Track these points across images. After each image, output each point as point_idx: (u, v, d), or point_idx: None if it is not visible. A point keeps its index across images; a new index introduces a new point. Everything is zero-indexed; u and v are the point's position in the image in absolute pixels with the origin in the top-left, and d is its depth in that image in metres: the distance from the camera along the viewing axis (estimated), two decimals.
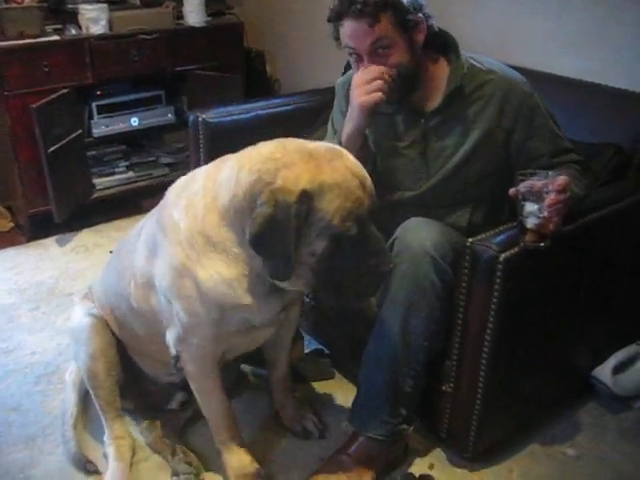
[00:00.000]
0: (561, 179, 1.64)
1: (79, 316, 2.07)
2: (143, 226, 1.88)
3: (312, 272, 1.58)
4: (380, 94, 1.85)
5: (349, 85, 1.98)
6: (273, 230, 1.49)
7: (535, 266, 1.78)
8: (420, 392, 1.93)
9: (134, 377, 2.12)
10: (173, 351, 1.81)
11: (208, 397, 1.90)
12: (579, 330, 2.12)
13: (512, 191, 1.69)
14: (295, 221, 1.48)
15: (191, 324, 1.71)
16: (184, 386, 2.08)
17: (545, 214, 1.64)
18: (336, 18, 1.89)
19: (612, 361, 2.28)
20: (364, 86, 1.87)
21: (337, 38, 1.94)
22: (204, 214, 1.63)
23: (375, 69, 1.86)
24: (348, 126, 1.95)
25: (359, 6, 1.80)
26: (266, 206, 1.48)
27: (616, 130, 2.21)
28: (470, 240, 1.76)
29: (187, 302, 1.68)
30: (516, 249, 1.72)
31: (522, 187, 1.67)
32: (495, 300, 1.73)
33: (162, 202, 1.79)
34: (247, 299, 1.65)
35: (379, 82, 1.85)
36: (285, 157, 1.53)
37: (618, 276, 2.17)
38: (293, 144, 1.59)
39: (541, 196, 1.64)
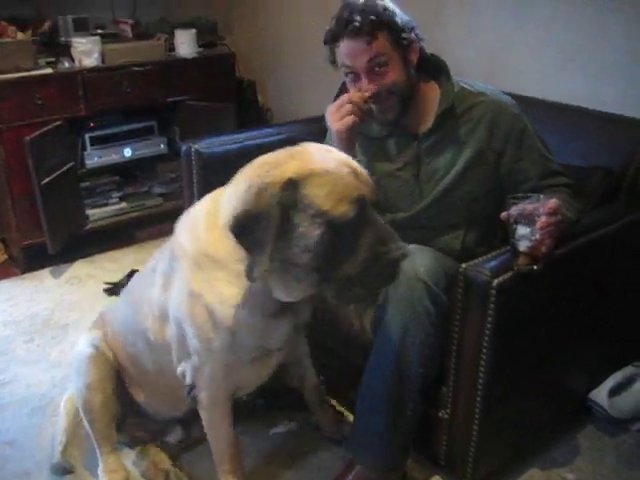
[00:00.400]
0: (552, 202, 1.66)
1: (81, 346, 2.06)
2: (158, 260, 1.88)
3: (313, 272, 1.48)
4: (352, 117, 1.89)
5: None
6: (253, 219, 1.44)
7: (528, 290, 1.78)
8: (417, 420, 1.92)
9: (133, 411, 2.11)
10: (188, 379, 1.81)
11: (217, 427, 1.90)
12: (574, 353, 2.12)
13: (504, 215, 1.70)
14: (278, 209, 1.42)
15: (205, 352, 1.71)
16: (185, 420, 2.12)
17: (537, 237, 1.65)
18: (332, 40, 1.93)
19: (608, 383, 2.28)
20: (336, 112, 1.91)
21: (333, 61, 1.98)
22: (206, 233, 1.65)
23: (345, 96, 1.91)
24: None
25: (357, 24, 1.84)
26: (252, 196, 1.45)
27: (606, 154, 2.22)
28: (463, 266, 1.77)
29: (200, 330, 1.68)
30: (509, 274, 1.72)
31: (514, 210, 1.68)
32: (489, 325, 1.74)
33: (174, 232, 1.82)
34: (253, 320, 1.64)
35: (348, 106, 1.89)
36: (277, 159, 1.52)
37: (611, 298, 2.18)
38: (286, 149, 1.56)
39: (533, 219, 1.65)
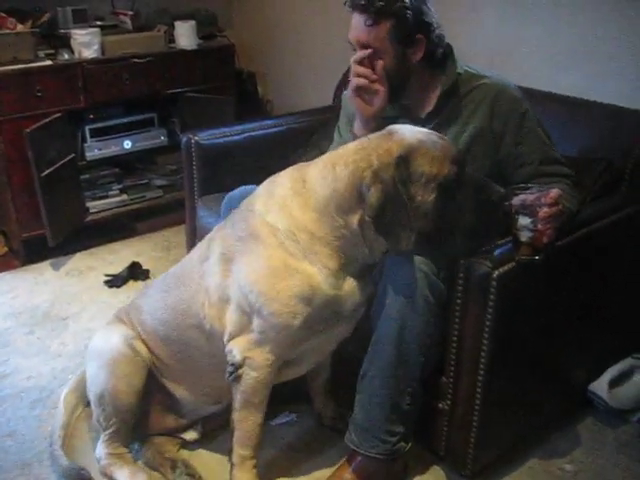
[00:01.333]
0: (553, 192, 1.67)
1: (116, 342, 1.99)
2: (208, 247, 1.90)
3: (429, 231, 1.67)
4: (380, 99, 1.96)
5: None
6: (388, 204, 1.60)
7: (529, 281, 1.79)
8: (417, 409, 1.92)
9: (160, 406, 2.12)
10: (238, 357, 1.80)
11: (253, 412, 1.88)
12: (574, 344, 2.13)
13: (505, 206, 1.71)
14: (402, 187, 1.60)
15: (278, 327, 1.74)
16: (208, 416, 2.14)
17: (538, 227, 1.66)
18: (348, 8, 1.97)
19: (608, 375, 2.28)
20: (358, 99, 1.98)
21: None
22: (302, 212, 1.73)
23: (354, 81, 1.97)
24: (362, 132, 1.99)
25: (364, 2, 1.89)
26: (374, 187, 1.61)
27: (607, 145, 2.23)
28: None
29: (284, 303, 1.71)
30: (510, 265, 1.73)
31: (515, 201, 1.69)
32: (490, 316, 1.74)
33: (228, 222, 1.87)
34: (343, 289, 1.74)
35: (376, 87, 1.95)
36: (371, 143, 1.69)
37: (612, 289, 2.18)
38: (374, 134, 1.75)
39: (534, 210, 1.66)
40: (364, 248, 1.73)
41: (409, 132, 1.69)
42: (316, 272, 1.71)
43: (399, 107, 2.07)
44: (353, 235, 1.71)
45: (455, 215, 1.68)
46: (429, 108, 2.03)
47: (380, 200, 1.60)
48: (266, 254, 1.73)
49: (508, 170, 1.99)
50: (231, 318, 1.81)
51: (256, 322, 1.76)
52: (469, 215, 1.68)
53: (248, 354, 1.80)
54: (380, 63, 1.94)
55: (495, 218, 1.72)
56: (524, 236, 1.68)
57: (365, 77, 1.95)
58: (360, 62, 1.96)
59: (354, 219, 1.69)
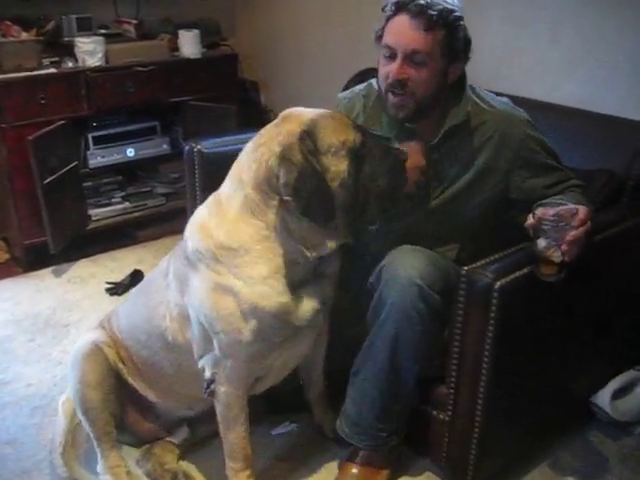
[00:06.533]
0: (582, 212, 1.64)
1: (79, 344, 2.05)
2: (169, 263, 1.91)
3: (350, 200, 1.67)
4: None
5: (364, 100, 2.07)
6: (303, 179, 1.58)
7: (531, 293, 1.78)
8: (409, 409, 1.96)
9: (141, 408, 2.12)
10: (208, 374, 1.82)
11: (233, 424, 1.89)
12: (576, 356, 2.12)
13: (528, 223, 1.69)
14: (313, 158, 1.60)
15: (231, 345, 1.74)
16: (192, 420, 2.14)
17: (563, 247, 1.63)
18: (393, 10, 1.83)
19: (611, 387, 2.27)
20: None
21: (380, 36, 1.89)
22: (218, 230, 1.72)
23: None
24: None
25: (423, 4, 1.77)
26: (284, 168, 1.60)
27: (608, 156, 2.23)
28: (465, 268, 1.76)
29: (227, 321, 1.70)
30: (511, 276, 1.72)
31: (538, 219, 1.66)
32: (491, 328, 1.73)
33: (183, 240, 1.85)
34: (286, 295, 1.70)
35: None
36: (267, 135, 1.69)
37: (614, 301, 2.17)
38: (264, 128, 1.74)
39: (559, 227, 1.63)
40: (297, 245, 1.69)
41: (304, 111, 1.70)
42: (242, 285, 1.68)
43: (399, 127, 1.98)
44: (278, 232, 1.68)
45: (369, 181, 1.68)
46: (433, 139, 1.94)
47: (294, 176, 1.59)
48: (199, 278, 1.74)
49: (517, 200, 1.95)
50: (195, 337, 1.82)
51: (214, 340, 1.77)
52: (382, 179, 1.70)
53: (215, 370, 1.82)
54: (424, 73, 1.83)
55: (404, 179, 1.76)
56: (552, 255, 1.65)
57: (407, 76, 1.83)
58: (403, 63, 1.83)
59: (272, 214, 1.67)
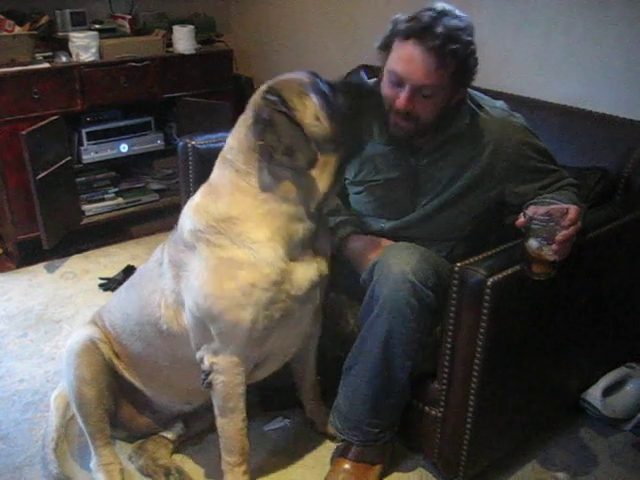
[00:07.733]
0: (572, 211, 1.64)
1: (74, 339, 2.04)
2: (163, 252, 1.91)
3: (331, 132, 1.68)
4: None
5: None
6: (278, 123, 1.62)
7: (523, 289, 1.79)
8: (402, 405, 1.97)
9: (133, 405, 2.12)
10: (206, 364, 1.82)
11: (231, 416, 1.88)
12: (568, 353, 2.13)
13: (519, 222, 1.68)
14: (277, 104, 1.63)
15: (231, 326, 1.73)
16: (189, 416, 2.15)
17: (554, 246, 1.63)
18: (406, 34, 1.77)
19: (602, 383, 2.28)
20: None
21: (386, 48, 1.85)
22: (215, 204, 1.73)
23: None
24: None
25: (438, 42, 1.72)
26: (259, 126, 1.65)
27: (602, 154, 2.23)
28: (458, 264, 1.77)
29: (231, 297, 1.70)
30: (504, 273, 1.73)
31: (529, 217, 1.65)
32: (484, 324, 1.74)
33: (177, 229, 1.86)
34: (286, 262, 1.72)
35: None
36: (243, 116, 1.79)
37: (606, 299, 2.18)
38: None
39: (549, 227, 1.63)
40: (295, 199, 1.71)
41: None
42: (246, 253, 1.69)
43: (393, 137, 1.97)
44: (274, 192, 1.70)
45: (343, 111, 1.69)
46: (429, 146, 1.96)
47: (269, 122, 1.63)
48: (200, 258, 1.74)
49: (513, 205, 1.94)
50: (191, 328, 1.82)
51: (212, 328, 1.76)
52: (353, 107, 1.70)
53: (213, 360, 1.81)
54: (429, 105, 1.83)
55: (378, 100, 1.80)
56: (541, 253, 1.65)
57: (413, 107, 1.82)
58: (411, 96, 1.80)
59: (260, 172, 1.70)
